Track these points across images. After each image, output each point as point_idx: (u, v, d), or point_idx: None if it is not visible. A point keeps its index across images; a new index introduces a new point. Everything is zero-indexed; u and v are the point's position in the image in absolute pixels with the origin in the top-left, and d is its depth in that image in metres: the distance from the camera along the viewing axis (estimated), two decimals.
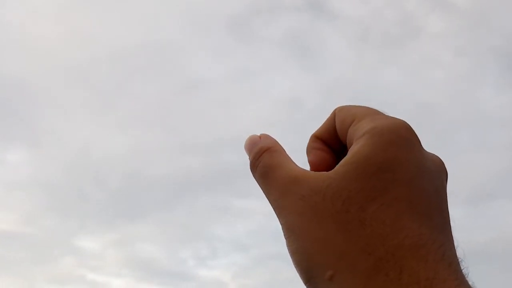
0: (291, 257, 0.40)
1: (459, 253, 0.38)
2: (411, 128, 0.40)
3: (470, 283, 0.36)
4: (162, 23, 7.99)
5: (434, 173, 0.40)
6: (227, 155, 7.94)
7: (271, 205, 0.42)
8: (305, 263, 0.38)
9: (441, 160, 0.42)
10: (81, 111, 8.16)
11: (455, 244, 0.38)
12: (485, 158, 7.58)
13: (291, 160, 0.43)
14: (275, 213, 0.41)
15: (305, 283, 0.39)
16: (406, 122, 0.41)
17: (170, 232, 8.46)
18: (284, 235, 0.40)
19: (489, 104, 7.75)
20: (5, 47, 7.82)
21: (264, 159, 0.43)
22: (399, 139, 0.39)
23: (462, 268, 0.37)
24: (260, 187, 0.43)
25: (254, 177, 0.44)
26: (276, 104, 8.00)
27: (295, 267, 0.39)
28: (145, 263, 8.36)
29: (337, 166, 0.40)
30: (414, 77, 7.84)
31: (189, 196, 8.32)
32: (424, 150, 0.41)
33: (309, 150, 0.46)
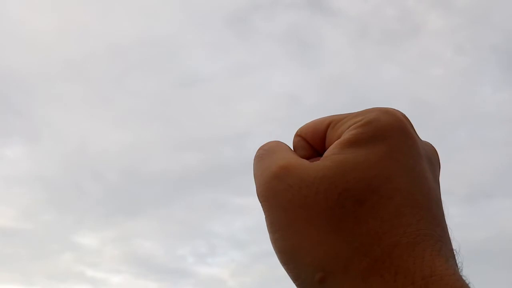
0: (277, 255, 0.37)
1: (455, 245, 0.36)
2: (405, 115, 0.38)
3: (464, 278, 0.34)
4: (161, 18, 7.97)
5: (432, 160, 0.39)
6: (225, 151, 7.94)
7: (256, 193, 0.38)
8: (292, 264, 0.36)
9: (434, 147, 0.40)
10: (79, 106, 8.15)
11: (450, 235, 0.37)
12: (483, 156, 7.58)
13: (294, 152, 0.40)
14: (259, 202, 0.38)
15: (294, 283, 0.36)
16: (397, 109, 0.38)
17: (168, 229, 8.46)
18: (268, 230, 0.37)
19: (487, 101, 7.75)
20: (4, 41, 7.80)
21: (268, 143, 0.40)
22: (397, 124, 0.37)
23: (457, 261, 0.36)
24: (253, 172, 0.39)
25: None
26: (275, 100, 8.00)
27: (282, 265, 0.37)
28: (144, 259, 8.36)
29: (332, 155, 0.36)
30: (413, 74, 7.83)
31: (187, 193, 8.32)
32: (419, 136, 0.39)
33: None
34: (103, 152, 8.28)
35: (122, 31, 7.96)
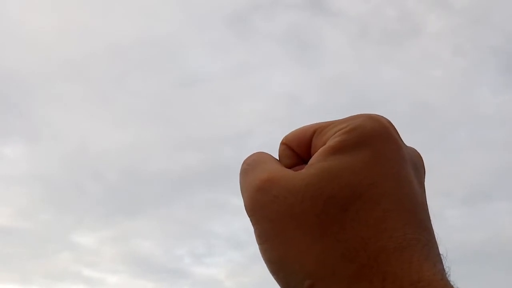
0: (266, 265, 0.37)
1: (442, 250, 0.36)
2: (390, 121, 0.38)
3: (452, 283, 0.34)
4: (161, 18, 7.97)
5: (417, 165, 0.39)
6: (225, 151, 7.94)
7: (244, 207, 0.38)
8: (282, 273, 0.36)
9: (419, 153, 0.40)
10: (79, 106, 8.15)
11: (437, 239, 0.37)
12: (482, 157, 7.59)
13: (278, 161, 0.40)
14: (248, 216, 0.38)
15: None
16: (382, 116, 0.38)
17: (167, 229, 8.46)
18: (257, 241, 0.37)
19: (487, 102, 7.75)
20: (4, 41, 7.80)
21: (251, 156, 0.40)
22: (382, 130, 0.37)
23: (445, 266, 0.36)
24: (240, 187, 0.40)
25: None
26: (275, 100, 8.00)
27: (272, 275, 0.37)
28: (141, 259, 8.36)
29: (317, 163, 0.36)
30: (412, 75, 7.84)
31: (187, 193, 8.32)
32: (403, 142, 0.39)
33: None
34: (103, 152, 8.28)
35: (122, 31, 7.96)
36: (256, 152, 0.41)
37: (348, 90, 7.81)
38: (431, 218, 0.37)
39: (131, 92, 8.02)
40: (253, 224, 0.37)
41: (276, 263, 0.36)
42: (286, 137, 0.41)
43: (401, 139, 0.38)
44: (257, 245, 0.37)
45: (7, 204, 8.15)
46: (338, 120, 0.38)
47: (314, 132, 0.39)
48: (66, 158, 8.33)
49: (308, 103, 7.75)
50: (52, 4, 7.85)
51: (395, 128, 0.38)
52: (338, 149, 0.36)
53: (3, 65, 7.79)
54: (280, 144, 0.41)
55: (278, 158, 0.41)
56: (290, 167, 0.39)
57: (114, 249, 8.42)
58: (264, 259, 0.37)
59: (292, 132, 0.41)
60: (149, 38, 7.93)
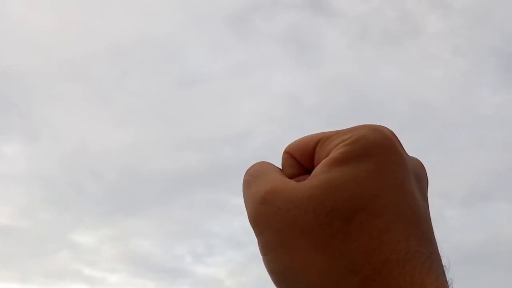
0: (270, 276, 0.37)
1: (444, 261, 0.36)
2: (393, 132, 0.38)
3: None
4: (161, 18, 7.97)
5: (420, 176, 0.39)
6: (225, 151, 7.94)
7: (248, 219, 0.38)
8: (285, 284, 0.36)
9: (422, 163, 0.40)
10: (79, 106, 8.15)
11: (440, 251, 0.37)
12: (481, 158, 7.59)
13: (280, 171, 0.40)
14: (251, 227, 0.38)
15: None
16: (385, 127, 0.38)
17: (166, 228, 8.46)
18: (260, 252, 0.37)
19: (486, 103, 7.75)
20: (4, 40, 7.80)
21: (253, 167, 0.40)
22: (386, 141, 0.37)
23: (447, 278, 0.36)
24: (243, 198, 0.39)
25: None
26: (275, 100, 8.00)
27: (275, 286, 0.37)
28: (141, 258, 8.36)
29: (320, 174, 0.36)
30: (412, 75, 7.84)
31: (186, 193, 8.32)
32: (406, 152, 0.39)
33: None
34: (103, 152, 8.28)
35: (122, 31, 7.96)
36: (259, 162, 0.41)
37: (348, 90, 7.81)
38: (433, 231, 0.37)
39: (131, 92, 8.03)
40: (256, 235, 0.37)
41: (280, 274, 0.36)
42: (289, 146, 0.41)
43: (404, 150, 0.38)
44: (257, 250, 0.37)
45: (7, 204, 8.16)
46: (342, 130, 0.38)
47: (317, 142, 0.39)
48: (66, 158, 8.34)
49: (308, 103, 7.76)
50: (52, 4, 7.85)
51: (398, 139, 0.38)
52: (341, 161, 0.36)
53: (3, 65, 7.79)
54: (283, 153, 0.41)
55: (280, 167, 0.41)
56: (292, 176, 0.39)
57: (114, 248, 8.43)
58: (267, 270, 0.37)
59: (296, 141, 0.41)
60: (149, 38, 7.94)
